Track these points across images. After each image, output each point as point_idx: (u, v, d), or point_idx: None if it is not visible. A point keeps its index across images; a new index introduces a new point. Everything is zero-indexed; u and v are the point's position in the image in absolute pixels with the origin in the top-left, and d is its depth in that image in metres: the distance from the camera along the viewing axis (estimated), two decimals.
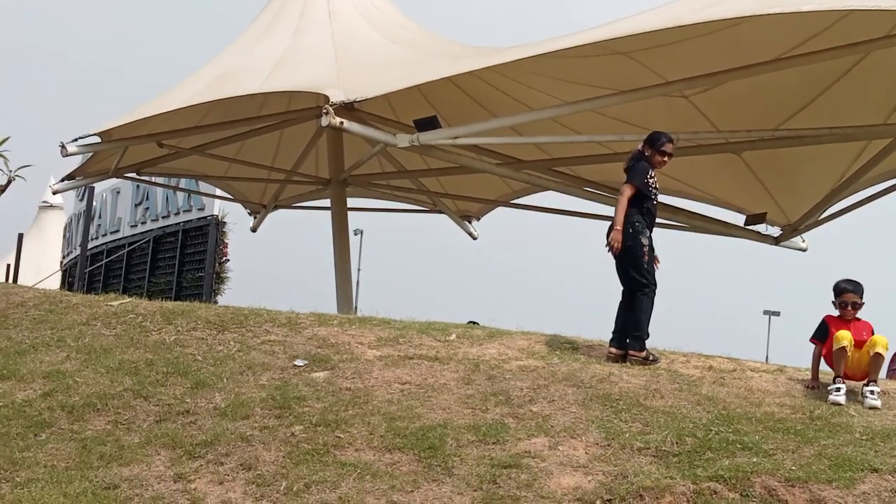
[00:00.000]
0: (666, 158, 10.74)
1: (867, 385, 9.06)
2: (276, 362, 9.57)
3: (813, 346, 9.65)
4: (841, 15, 13.44)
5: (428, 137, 13.85)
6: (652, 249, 10.36)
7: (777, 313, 50.86)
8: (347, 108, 14.62)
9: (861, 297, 9.56)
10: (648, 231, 10.37)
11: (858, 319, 9.63)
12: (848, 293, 9.54)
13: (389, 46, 17.02)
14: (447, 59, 15.76)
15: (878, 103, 15.90)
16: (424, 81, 14.17)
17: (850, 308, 9.49)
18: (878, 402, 8.91)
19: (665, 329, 11.89)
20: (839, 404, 8.92)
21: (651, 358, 10.09)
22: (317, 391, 8.89)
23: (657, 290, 10.35)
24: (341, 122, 13.50)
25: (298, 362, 9.55)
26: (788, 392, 9.31)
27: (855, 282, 9.64)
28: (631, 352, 10.12)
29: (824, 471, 7.60)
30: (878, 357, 9.22)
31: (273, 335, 10.31)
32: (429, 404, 8.72)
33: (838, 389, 9.05)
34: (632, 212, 10.37)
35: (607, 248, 10.27)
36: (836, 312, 9.63)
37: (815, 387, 9.37)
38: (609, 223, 10.50)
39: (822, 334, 9.56)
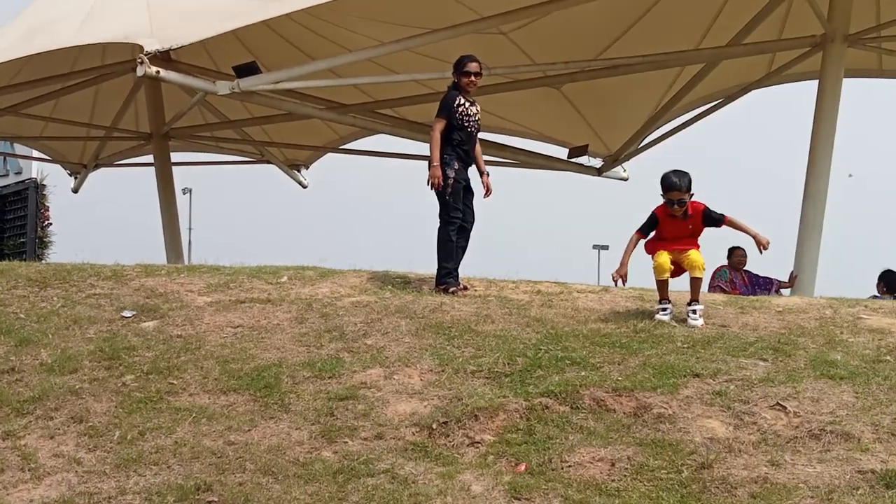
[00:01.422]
0: (473, 78, 10.46)
1: (689, 305, 9.18)
2: (103, 315, 9.36)
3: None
4: None
5: (248, 83, 13.67)
6: (461, 181, 10.24)
7: (606, 247, 52.12)
8: (164, 58, 14.31)
9: (688, 191, 9.23)
10: (458, 163, 10.24)
11: (689, 213, 9.36)
12: (674, 190, 9.23)
13: None
14: (263, 3, 15.50)
15: (689, 30, 16.43)
16: (240, 26, 13.92)
17: (676, 206, 9.24)
18: (699, 322, 9.06)
19: (495, 262, 12.09)
20: (663, 322, 9.09)
21: (452, 290, 10.00)
22: (147, 340, 8.74)
23: (471, 224, 10.35)
24: (157, 72, 13.21)
25: (126, 313, 9.35)
26: (613, 309, 9.58)
27: (681, 172, 9.29)
28: (436, 286, 10.13)
29: (649, 379, 7.87)
30: (697, 281, 9.29)
31: (98, 289, 10.06)
32: (262, 345, 8.68)
33: (664, 309, 9.20)
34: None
35: (428, 185, 10.26)
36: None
37: (623, 278, 9.27)
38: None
39: (647, 229, 9.37)
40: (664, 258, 9.25)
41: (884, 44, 15.57)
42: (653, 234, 9.44)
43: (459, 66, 10.53)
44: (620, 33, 16.30)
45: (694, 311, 9.14)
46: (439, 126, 10.25)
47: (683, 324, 9.07)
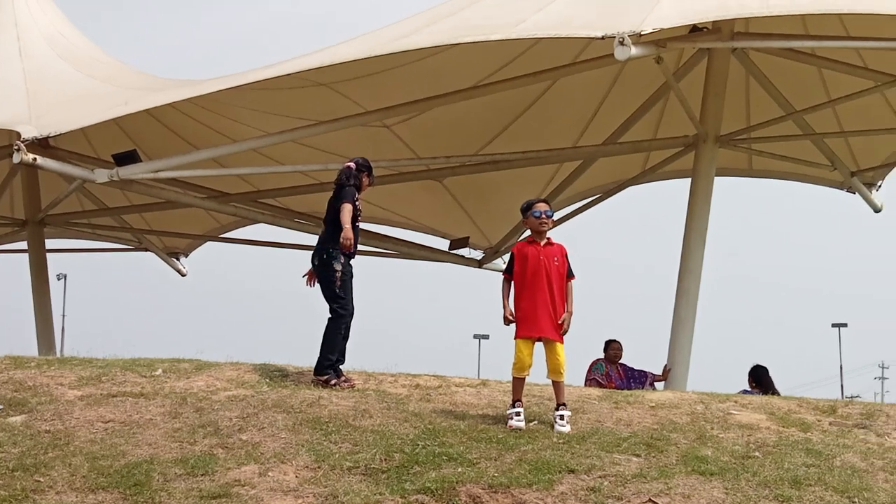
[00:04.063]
0: (369, 183, 10.81)
1: (556, 409, 9.02)
2: None
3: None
4: (531, 43, 14.18)
5: (128, 172, 13.55)
6: (347, 274, 10.30)
7: (486, 336, 52.44)
8: (42, 145, 14.11)
9: (551, 207, 9.36)
10: (343, 257, 10.27)
11: (551, 243, 9.30)
12: (539, 202, 9.31)
13: (86, 81, 16.53)
14: (146, 92, 15.47)
15: (568, 127, 16.86)
16: (121, 115, 13.87)
17: (544, 217, 9.20)
18: (566, 429, 8.85)
19: (376, 353, 12.09)
20: (520, 429, 8.81)
21: (332, 383, 10.00)
22: (13, 436, 8.48)
23: (352, 316, 10.38)
24: (34, 159, 13.03)
25: None
26: (491, 403, 9.64)
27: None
28: (314, 376, 10.11)
29: (525, 475, 7.91)
30: (559, 385, 9.11)
31: None
32: (134, 441, 8.49)
33: (518, 414, 8.98)
34: (328, 237, 10.37)
35: (342, 251, 10.21)
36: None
37: (510, 319, 9.13)
38: (313, 250, 10.61)
39: (511, 268, 9.30)
40: (526, 354, 9.07)
41: (754, 145, 16.15)
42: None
43: (366, 169, 10.64)
44: (501, 129, 16.64)
45: (561, 417, 8.97)
46: (350, 207, 10.24)
47: (549, 428, 8.95)
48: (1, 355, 10.96)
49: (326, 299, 10.28)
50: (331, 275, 10.23)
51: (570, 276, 9.33)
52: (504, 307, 9.25)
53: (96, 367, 10.38)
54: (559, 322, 9.19)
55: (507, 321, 9.25)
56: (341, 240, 10.18)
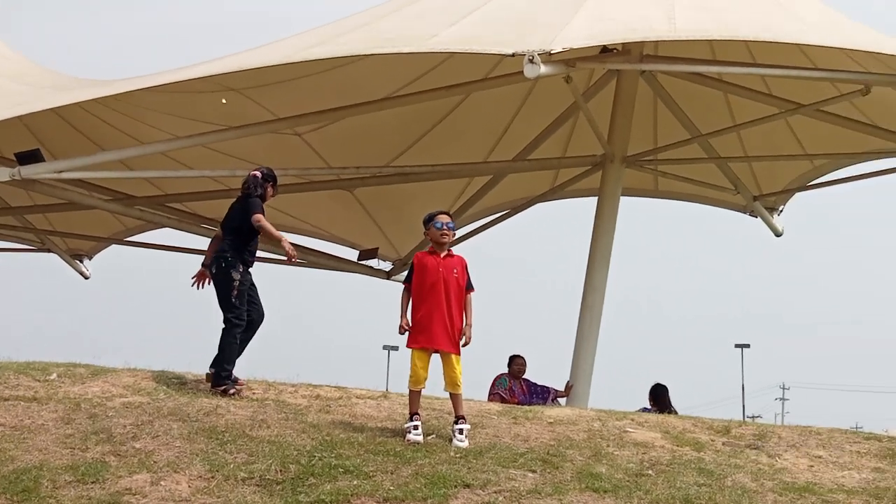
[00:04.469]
0: (273, 193, 10.77)
1: (455, 423, 9.02)
2: None
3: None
4: (444, 57, 14.25)
5: (31, 171, 13.26)
6: (245, 283, 10.22)
7: (396, 348, 52.37)
8: None
9: (453, 219, 9.43)
10: (242, 267, 10.22)
11: (451, 255, 9.30)
12: (440, 213, 9.33)
13: None
14: (53, 91, 15.19)
15: (479, 142, 16.96)
16: (25, 113, 13.58)
17: (445, 228, 9.21)
18: (465, 444, 8.85)
19: (278, 363, 12.00)
20: (417, 443, 8.81)
21: (231, 392, 9.90)
22: None
23: (259, 319, 10.35)
24: None
25: None
26: (390, 416, 9.63)
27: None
28: (213, 386, 10.01)
29: (420, 489, 7.91)
30: (456, 397, 9.11)
31: None
32: (24, 446, 8.32)
33: (416, 427, 8.97)
34: (228, 246, 10.28)
35: (289, 260, 10.47)
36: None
37: (405, 328, 9.12)
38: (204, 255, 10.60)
39: (411, 277, 9.29)
40: (420, 367, 9.05)
41: (660, 166, 16.40)
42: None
43: (271, 180, 10.63)
44: (413, 141, 16.68)
45: (460, 431, 8.96)
46: (262, 216, 10.20)
47: (447, 442, 8.95)
48: None
49: (222, 308, 10.19)
50: (228, 283, 10.14)
51: (470, 288, 9.35)
52: (401, 316, 9.25)
53: None
54: (461, 335, 9.20)
55: (401, 330, 9.24)
56: (286, 248, 10.21)
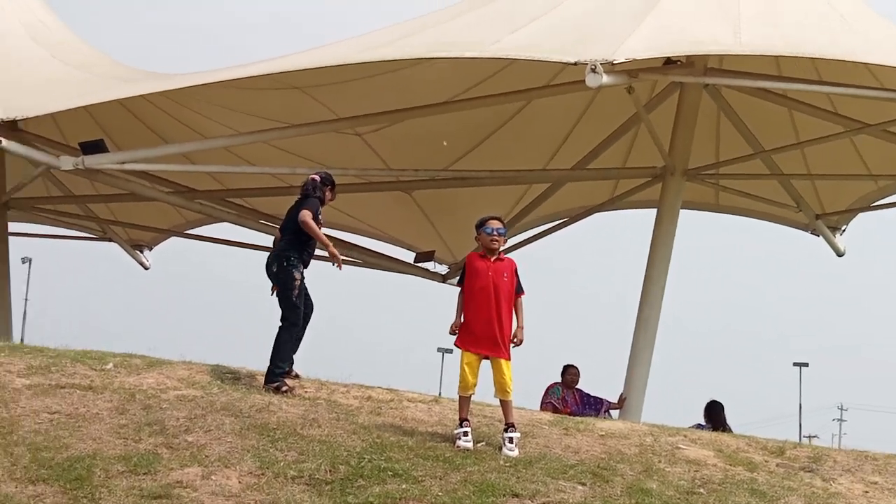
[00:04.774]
0: (332, 198, 10.86)
1: (505, 431, 8.95)
2: None
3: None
4: (506, 63, 14.22)
5: (94, 161, 13.45)
6: (304, 285, 10.37)
7: (450, 351, 52.38)
8: (10, 128, 13.98)
9: (504, 225, 9.39)
10: (303, 266, 10.38)
11: (501, 258, 9.25)
12: (492, 219, 9.26)
13: (58, 66, 16.41)
14: (119, 82, 15.39)
15: (539, 149, 16.91)
16: (91, 103, 13.77)
17: (496, 234, 9.18)
18: (514, 453, 8.79)
19: (335, 361, 12.02)
20: (468, 450, 8.77)
21: (283, 390, 9.95)
22: None
23: (310, 313, 10.44)
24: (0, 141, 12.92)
25: None
26: (441, 421, 9.61)
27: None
28: (265, 384, 10.07)
29: (469, 496, 7.89)
30: (506, 404, 9.06)
31: None
32: (78, 434, 8.41)
33: (465, 434, 8.93)
34: (289, 245, 10.41)
35: (336, 265, 10.40)
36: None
37: (455, 330, 9.12)
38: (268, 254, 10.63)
39: (463, 279, 9.25)
40: (469, 372, 9.01)
41: (721, 180, 16.26)
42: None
43: (329, 183, 10.69)
44: (473, 146, 16.67)
45: (510, 440, 8.89)
46: (311, 217, 10.25)
47: (497, 451, 8.89)
48: None
49: (282, 307, 10.27)
50: (290, 282, 10.24)
51: (520, 291, 9.31)
52: (456, 316, 9.24)
53: (47, 356, 10.28)
54: (512, 339, 9.16)
55: (452, 330, 9.23)
56: (333, 253, 10.26)
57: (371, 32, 14.44)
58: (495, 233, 9.27)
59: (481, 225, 9.33)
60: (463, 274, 9.37)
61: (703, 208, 17.98)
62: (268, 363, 10.21)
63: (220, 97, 15.02)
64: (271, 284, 10.46)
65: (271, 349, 10.25)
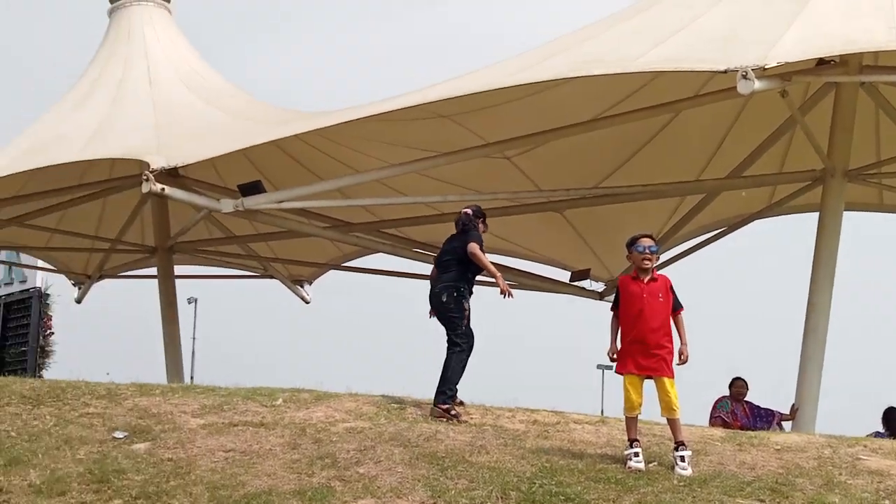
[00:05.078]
0: (484, 229, 11.08)
1: (676, 450, 8.79)
2: (95, 435, 9.30)
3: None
4: (651, 77, 14.04)
5: (253, 202, 13.79)
6: (470, 313, 10.63)
7: (610, 367, 51.79)
8: (171, 175, 14.45)
9: (656, 242, 9.25)
10: (470, 296, 10.66)
11: (655, 278, 9.10)
12: (643, 237, 9.12)
13: (213, 113, 16.95)
14: (273, 124, 15.77)
15: (690, 161, 16.62)
16: (246, 146, 14.13)
17: (647, 252, 9.02)
18: (688, 472, 8.63)
19: (496, 385, 12.04)
20: (640, 471, 8.65)
21: (453, 413, 10.14)
22: (137, 463, 8.66)
23: (473, 349, 10.59)
24: (162, 189, 13.36)
25: (118, 434, 9.29)
26: (609, 442, 9.50)
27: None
28: (433, 405, 10.26)
29: None
30: (674, 422, 8.89)
31: (92, 408, 10.02)
32: (253, 471, 8.59)
33: (636, 454, 8.81)
34: (458, 277, 10.66)
35: (505, 296, 10.43)
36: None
37: (614, 357, 9.04)
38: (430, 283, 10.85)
39: (618, 303, 9.16)
40: (633, 392, 8.90)
41: (884, 179, 15.70)
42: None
43: (483, 216, 11.01)
44: (622, 161, 16.50)
45: (682, 458, 8.73)
46: (479, 249, 10.55)
47: (669, 470, 8.74)
48: (129, 381, 11.24)
49: (453, 335, 10.50)
50: (461, 312, 10.54)
51: (679, 308, 9.16)
52: (611, 342, 9.14)
53: (219, 395, 10.56)
54: (679, 355, 9.00)
55: (610, 357, 9.16)
56: (501, 286, 10.43)
57: (513, 57, 14.44)
58: (647, 251, 9.13)
59: (632, 243, 9.21)
60: (617, 298, 9.25)
61: (866, 209, 17.35)
62: (436, 387, 10.36)
63: (370, 131, 15.22)
64: (430, 308, 10.70)
65: (441, 374, 10.41)
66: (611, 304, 9.36)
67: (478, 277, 10.91)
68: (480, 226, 10.96)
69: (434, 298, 10.68)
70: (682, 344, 9.07)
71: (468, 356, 10.51)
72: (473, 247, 10.57)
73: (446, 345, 10.50)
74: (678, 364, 9.03)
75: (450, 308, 10.54)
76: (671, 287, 9.19)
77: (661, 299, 9.05)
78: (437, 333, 10.77)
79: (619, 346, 9.13)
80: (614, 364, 9.16)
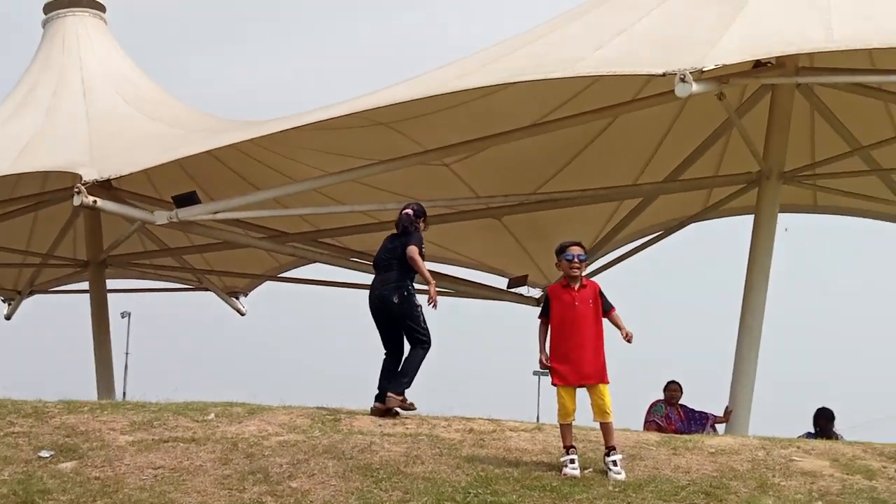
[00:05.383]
0: (425, 229, 11.01)
1: (608, 455, 8.75)
2: (20, 455, 9.04)
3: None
4: (590, 81, 14.03)
5: (187, 213, 13.59)
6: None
7: (545, 373, 51.65)
8: (104, 187, 14.22)
9: (585, 250, 9.21)
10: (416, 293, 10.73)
11: (584, 284, 9.05)
12: (572, 245, 9.05)
13: (148, 123, 16.73)
14: (208, 134, 15.57)
15: (628, 165, 16.66)
16: (181, 156, 13.93)
17: (576, 260, 8.98)
18: (622, 476, 8.60)
19: (431, 395, 11.94)
20: (575, 478, 8.58)
21: (409, 402, 10.32)
22: (63, 483, 8.44)
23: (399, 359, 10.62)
24: (94, 201, 13.13)
25: (44, 454, 9.06)
26: (545, 449, 9.42)
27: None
28: (390, 393, 10.29)
29: None
30: (607, 426, 8.86)
31: (17, 426, 9.75)
32: (183, 488, 8.41)
33: (572, 461, 8.75)
34: (401, 276, 10.58)
35: (431, 305, 10.40)
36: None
37: (546, 364, 8.98)
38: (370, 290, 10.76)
39: (546, 311, 9.08)
40: (568, 400, 8.86)
41: (819, 181, 15.82)
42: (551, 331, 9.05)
43: (424, 215, 10.95)
44: (560, 167, 16.51)
45: (615, 463, 8.69)
46: (417, 253, 10.51)
47: (604, 475, 8.69)
48: (59, 397, 10.99)
49: (414, 332, 10.54)
50: (413, 309, 10.54)
51: (610, 308, 9.11)
52: (540, 351, 9.07)
53: (149, 411, 10.35)
54: (624, 338, 9.02)
55: (542, 365, 9.09)
56: (432, 293, 10.40)
57: (453, 62, 14.37)
58: (576, 259, 9.08)
59: (561, 251, 9.16)
60: (546, 307, 9.17)
61: (801, 210, 17.52)
62: (395, 378, 10.46)
63: (306, 139, 15.11)
64: (374, 313, 10.65)
65: (402, 366, 10.51)
66: (538, 312, 9.30)
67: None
68: (421, 226, 10.85)
69: (382, 301, 10.55)
70: (622, 330, 9.04)
71: (427, 353, 10.56)
72: (413, 250, 10.48)
73: (410, 344, 10.55)
74: (625, 339, 9.02)
75: (403, 307, 10.49)
76: (600, 292, 9.15)
77: (591, 305, 9.02)
78: (375, 343, 10.74)
79: (547, 352, 9.06)
80: (548, 370, 9.08)
